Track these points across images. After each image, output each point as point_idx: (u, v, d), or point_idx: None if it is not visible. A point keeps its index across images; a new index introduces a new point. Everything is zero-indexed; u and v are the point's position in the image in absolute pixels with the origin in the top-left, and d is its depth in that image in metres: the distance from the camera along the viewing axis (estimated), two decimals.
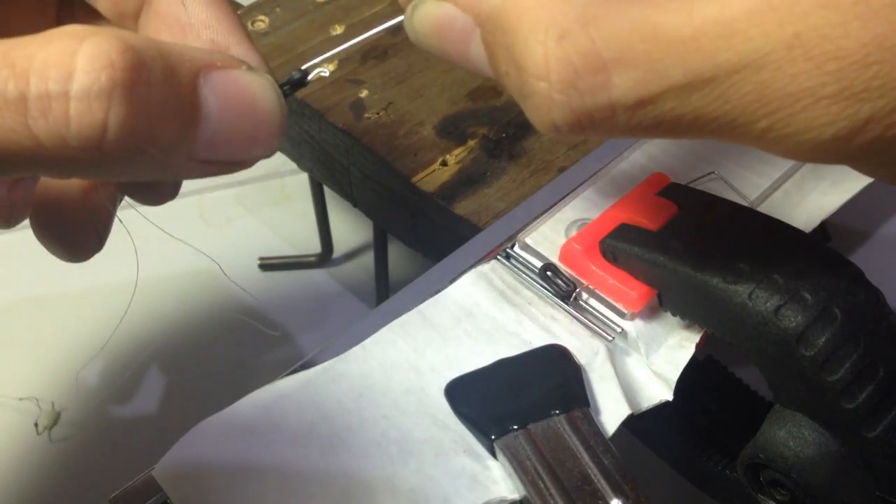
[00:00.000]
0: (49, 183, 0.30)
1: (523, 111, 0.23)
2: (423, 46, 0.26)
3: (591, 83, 0.21)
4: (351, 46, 0.29)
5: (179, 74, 0.22)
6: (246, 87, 0.24)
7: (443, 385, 0.33)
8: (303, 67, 0.27)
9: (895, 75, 0.20)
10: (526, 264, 0.37)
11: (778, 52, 0.20)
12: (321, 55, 0.28)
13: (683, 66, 0.21)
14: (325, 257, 0.61)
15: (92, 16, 0.30)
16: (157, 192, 0.30)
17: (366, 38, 0.29)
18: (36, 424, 0.52)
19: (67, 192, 0.30)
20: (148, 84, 0.21)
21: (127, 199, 0.31)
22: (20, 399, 0.53)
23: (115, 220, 0.31)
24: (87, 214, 0.30)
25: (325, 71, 0.28)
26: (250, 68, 0.25)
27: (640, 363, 0.35)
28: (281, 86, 0.26)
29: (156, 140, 0.22)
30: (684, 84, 0.21)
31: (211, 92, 0.23)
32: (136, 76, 0.21)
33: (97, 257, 0.31)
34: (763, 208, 0.40)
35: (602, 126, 0.22)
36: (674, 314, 0.34)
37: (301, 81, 0.27)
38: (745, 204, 0.39)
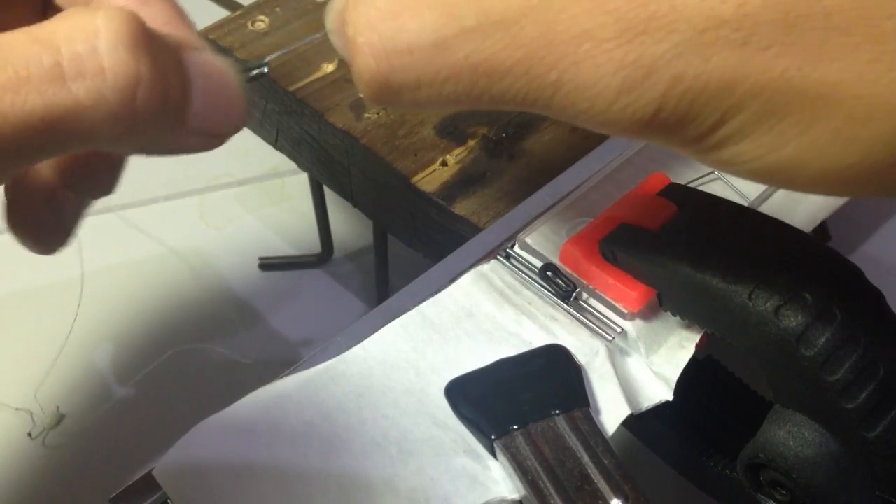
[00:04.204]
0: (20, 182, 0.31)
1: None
2: None
3: (390, 26, 0.21)
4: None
5: (168, 47, 0.24)
6: (218, 65, 0.26)
7: (443, 385, 0.33)
8: (250, 66, 0.29)
9: (673, 17, 0.18)
10: (526, 264, 0.37)
11: None
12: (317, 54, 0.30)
13: (475, 8, 0.20)
14: (325, 257, 0.61)
15: None
16: (100, 184, 0.31)
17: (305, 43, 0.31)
18: (30, 434, 0.52)
19: (35, 192, 0.31)
20: (155, 45, 0.23)
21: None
22: (18, 405, 0.53)
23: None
24: (52, 212, 0.31)
25: (266, 68, 0.30)
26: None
27: (640, 363, 0.35)
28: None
29: (169, 99, 0.24)
30: (476, 27, 0.20)
31: (192, 66, 0.25)
32: (148, 37, 0.23)
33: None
34: (763, 208, 0.40)
35: (404, 76, 0.22)
36: (674, 314, 0.34)
37: (252, 75, 0.29)
38: (745, 204, 0.39)
